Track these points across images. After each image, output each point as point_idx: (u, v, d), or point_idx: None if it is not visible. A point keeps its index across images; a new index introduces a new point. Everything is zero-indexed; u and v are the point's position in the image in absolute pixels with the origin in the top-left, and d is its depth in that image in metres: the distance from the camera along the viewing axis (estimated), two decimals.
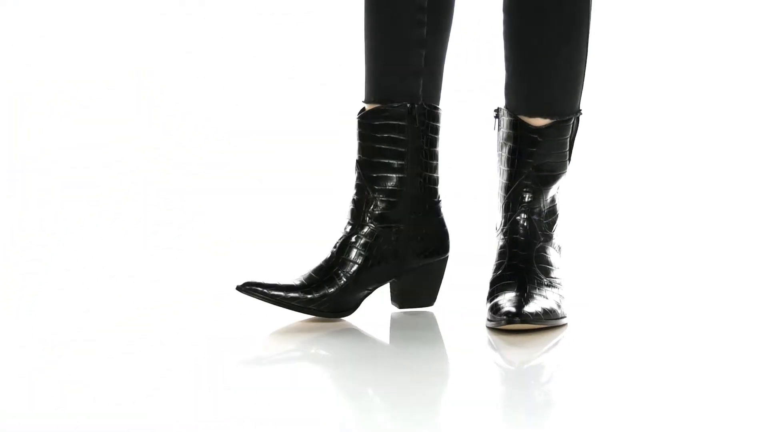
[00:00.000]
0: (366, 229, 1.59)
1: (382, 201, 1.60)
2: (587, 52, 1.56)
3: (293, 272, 1.61)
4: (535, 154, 1.56)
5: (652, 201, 2.50)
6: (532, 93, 1.56)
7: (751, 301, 1.77)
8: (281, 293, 1.57)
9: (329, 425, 1.17)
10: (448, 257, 1.64)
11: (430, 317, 1.63)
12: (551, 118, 1.56)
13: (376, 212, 1.60)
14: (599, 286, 1.86)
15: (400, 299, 1.64)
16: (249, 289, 1.56)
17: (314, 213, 2.39)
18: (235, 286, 1.57)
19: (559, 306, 1.54)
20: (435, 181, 1.62)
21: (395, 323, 1.61)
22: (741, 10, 2.64)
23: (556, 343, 1.49)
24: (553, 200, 1.60)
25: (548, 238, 1.58)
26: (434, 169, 1.62)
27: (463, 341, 1.53)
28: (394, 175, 1.59)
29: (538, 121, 1.56)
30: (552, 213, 1.60)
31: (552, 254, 1.58)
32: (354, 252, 1.58)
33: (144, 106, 2.69)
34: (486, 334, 1.53)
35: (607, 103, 2.64)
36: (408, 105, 1.58)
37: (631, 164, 2.60)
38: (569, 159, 1.59)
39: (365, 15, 1.61)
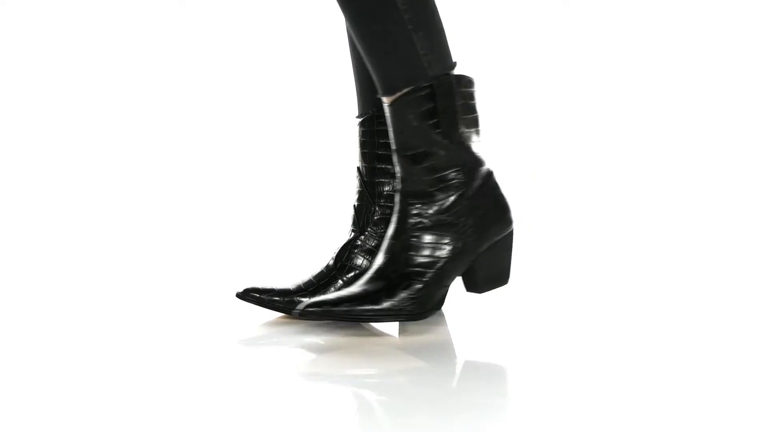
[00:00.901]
0: (366, 235, 1.60)
1: (381, 206, 1.60)
2: (408, 19, 1.46)
3: (295, 274, 1.62)
4: (389, 133, 1.50)
5: (650, 201, 2.50)
6: (371, 72, 1.51)
7: (751, 301, 1.77)
8: (278, 298, 1.57)
9: (329, 426, 1.17)
10: None
11: (436, 318, 1.63)
12: (388, 95, 1.48)
13: (376, 217, 1.60)
14: (599, 286, 1.86)
15: None
16: (247, 295, 1.58)
17: (315, 213, 2.39)
18: (235, 294, 1.58)
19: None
20: None
21: (400, 324, 1.60)
22: (738, 10, 2.64)
23: (554, 344, 1.49)
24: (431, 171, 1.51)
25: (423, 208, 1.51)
26: None
27: (465, 341, 1.53)
28: (393, 181, 1.60)
29: (386, 99, 1.50)
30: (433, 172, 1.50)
31: (424, 236, 1.51)
32: (354, 257, 1.59)
33: (144, 106, 2.69)
34: (486, 336, 1.53)
35: (606, 103, 2.64)
36: None
37: (630, 165, 2.60)
38: (448, 133, 1.49)
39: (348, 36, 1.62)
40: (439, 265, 1.50)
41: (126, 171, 2.63)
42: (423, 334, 1.54)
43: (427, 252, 1.50)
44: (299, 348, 1.50)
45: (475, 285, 1.56)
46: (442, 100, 1.48)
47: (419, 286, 1.50)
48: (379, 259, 1.51)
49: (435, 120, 1.48)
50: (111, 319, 1.64)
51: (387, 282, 1.50)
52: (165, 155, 2.65)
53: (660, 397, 1.26)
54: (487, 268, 1.56)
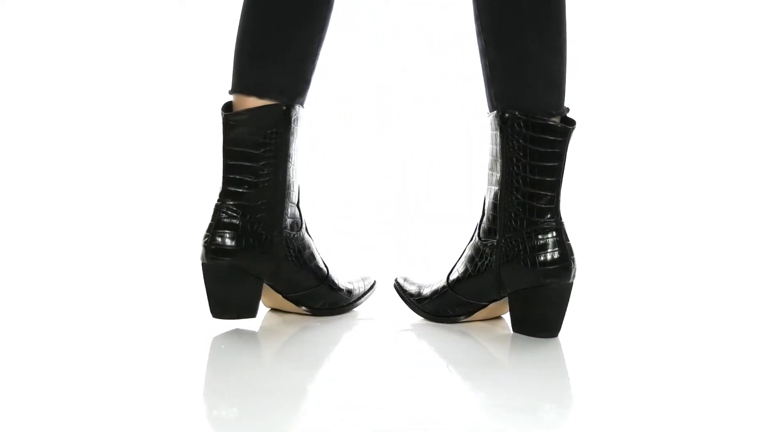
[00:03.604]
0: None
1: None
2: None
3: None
4: None
5: (650, 201, 2.50)
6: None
7: (751, 303, 1.77)
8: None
9: (327, 427, 1.17)
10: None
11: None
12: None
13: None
14: (598, 286, 1.86)
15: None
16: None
17: (318, 212, 2.39)
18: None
19: None
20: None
21: (398, 323, 1.60)
22: (737, 10, 2.64)
23: (553, 343, 1.49)
24: None
25: None
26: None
27: (465, 341, 1.53)
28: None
29: None
30: None
31: None
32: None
33: (143, 106, 2.69)
34: (485, 336, 1.53)
35: (606, 103, 2.65)
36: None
37: (629, 165, 2.61)
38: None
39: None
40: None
41: (126, 169, 2.63)
42: (417, 334, 1.55)
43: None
44: (301, 350, 1.50)
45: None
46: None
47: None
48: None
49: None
50: (110, 318, 1.65)
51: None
52: (164, 155, 2.65)
53: (660, 398, 1.26)
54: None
